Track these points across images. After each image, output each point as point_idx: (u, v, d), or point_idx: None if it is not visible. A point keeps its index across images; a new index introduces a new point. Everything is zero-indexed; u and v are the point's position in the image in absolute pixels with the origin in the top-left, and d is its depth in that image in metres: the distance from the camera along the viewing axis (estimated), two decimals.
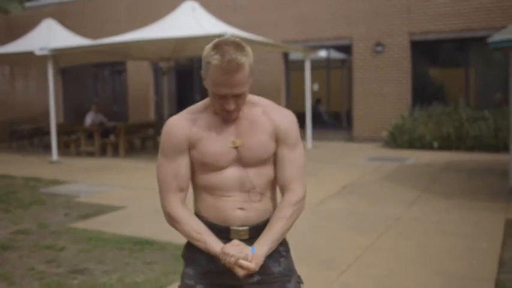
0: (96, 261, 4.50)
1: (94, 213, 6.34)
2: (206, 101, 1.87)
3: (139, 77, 16.49)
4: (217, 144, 1.79)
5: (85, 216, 6.18)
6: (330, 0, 13.46)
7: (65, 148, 12.48)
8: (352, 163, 9.79)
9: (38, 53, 10.43)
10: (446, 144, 11.17)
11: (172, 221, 1.85)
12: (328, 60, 14.41)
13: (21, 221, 6.03)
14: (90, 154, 12.03)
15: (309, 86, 12.40)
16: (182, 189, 1.84)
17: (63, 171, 9.63)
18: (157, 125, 14.41)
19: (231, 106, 1.73)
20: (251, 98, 1.87)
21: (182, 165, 1.82)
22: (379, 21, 12.87)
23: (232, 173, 1.81)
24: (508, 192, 6.82)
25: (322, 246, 4.79)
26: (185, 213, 1.83)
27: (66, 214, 6.34)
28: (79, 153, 12.19)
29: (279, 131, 1.84)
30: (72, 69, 17.28)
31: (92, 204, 6.84)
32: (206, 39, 9.61)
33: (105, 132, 12.34)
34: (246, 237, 1.80)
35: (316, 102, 14.73)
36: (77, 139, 12.56)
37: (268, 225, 1.82)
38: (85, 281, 4.04)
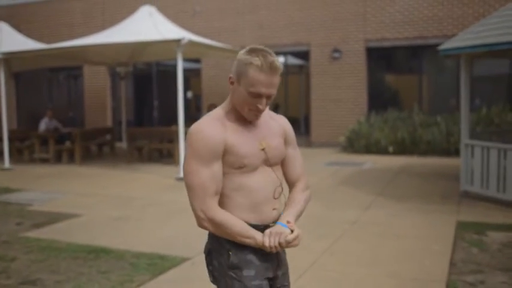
0: (49, 271, 4.38)
1: (48, 221, 6.18)
2: (224, 107, 2.00)
3: (96, 82, 16.20)
4: (250, 146, 1.93)
5: (38, 225, 6.01)
6: (288, 7, 13.62)
7: (18, 155, 12.11)
8: (309, 168, 9.90)
9: None
10: (401, 148, 11.47)
11: (216, 225, 1.89)
12: (285, 66, 14.53)
13: None
14: (45, 161, 11.71)
15: None
16: (217, 193, 1.91)
17: (16, 179, 9.34)
18: (115, 130, 14.20)
19: (264, 106, 1.88)
20: None
21: (218, 169, 1.90)
22: (336, 28, 13.11)
23: (264, 173, 1.97)
24: (459, 195, 7.05)
25: None
26: (227, 215, 1.91)
27: (18, 223, 6.15)
28: (33, 160, 11.85)
29: (287, 133, 2.10)
30: (26, 73, 16.82)
31: (46, 212, 6.66)
32: (163, 43, 9.63)
33: (61, 139, 12.04)
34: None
35: (275, 108, 14.83)
36: (30, 145, 12.20)
37: (289, 206, 2.04)
38: None
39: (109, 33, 10.81)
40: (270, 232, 1.89)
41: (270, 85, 1.86)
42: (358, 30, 12.89)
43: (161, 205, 6.95)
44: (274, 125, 2.07)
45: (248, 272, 1.94)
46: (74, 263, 4.59)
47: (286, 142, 2.10)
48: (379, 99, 12.97)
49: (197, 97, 15.50)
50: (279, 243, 1.88)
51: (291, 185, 2.14)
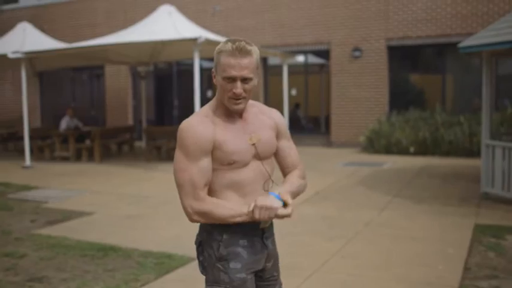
0: (56, 269, 4.38)
1: (61, 219, 6.21)
2: (212, 104, 2.01)
3: (117, 82, 16.34)
4: (240, 142, 1.94)
5: (52, 223, 6.05)
6: (308, 5, 13.49)
7: (39, 153, 12.27)
8: (327, 168, 9.77)
9: (10, 56, 10.26)
10: (422, 149, 11.23)
11: (204, 214, 1.91)
12: (306, 65, 14.42)
13: None
14: (65, 159, 11.84)
15: (286, 91, 12.38)
16: (207, 185, 1.94)
17: (35, 177, 9.45)
18: (135, 129, 14.29)
19: (239, 89, 1.88)
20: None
21: (207, 164, 1.92)
22: (357, 26, 12.92)
23: (254, 168, 1.98)
24: (478, 197, 6.84)
25: (287, 253, 4.71)
26: (215, 200, 1.93)
27: (32, 220, 6.20)
28: (53, 159, 12.00)
29: (279, 126, 2.10)
30: (50, 73, 17.08)
31: (61, 210, 6.70)
32: (181, 43, 9.62)
33: (81, 137, 12.17)
34: (269, 224, 2.04)
35: (295, 107, 14.73)
36: (51, 144, 12.35)
37: (286, 182, 2.06)
38: None
39: (128, 33, 10.87)
40: (261, 205, 1.86)
41: (241, 67, 1.87)
42: (380, 29, 12.68)
43: (174, 204, 6.90)
44: (264, 118, 2.08)
45: (235, 265, 1.97)
46: (81, 261, 4.58)
47: (278, 135, 2.10)
48: (401, 98, 12.73)
49: None
50: (269, 218, 1.89)
51: (287, 174, 2.15)
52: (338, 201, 6.88)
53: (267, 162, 2.05)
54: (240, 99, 1.92)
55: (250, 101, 2.08)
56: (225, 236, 1.97)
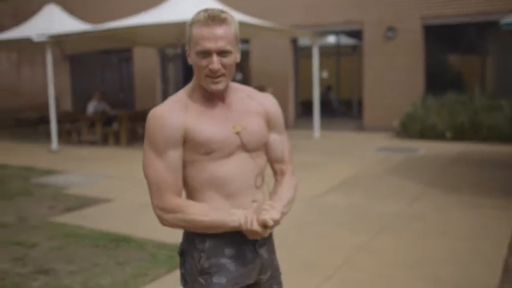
0: (66, 261, 4.20)
1: (79, 206, 6.06)
2: (188, 87, 1.74)
3: (145, 64, 16.18)
4: (220, 129, 1.66)
5: (69, 209, 5.91)
6: None
7: (67, 137, 12.26)
8: (358, 154, 9.36)
9: (35, 39, 10.16)
10: (460, 134, 10.64)
11: (176, 219, 1.63)
12: (337, 46, 13.90)
13: (1, 213, 5.78)
14: (92, 143, 11.78)
15: (317, 73, 11.94)
16: (178, 185, 1.66)
17: (60, 161, 9.39)
18: None
19: (216, 64, 1.59)
20: (231, 84, 1.76)
21: (177, 158, 1.65)
22: (390, 4, 12.31)
23: (241, 161, 1.69)
24: None
25: (308, 246, 4.42)
26: (186, 201, 1.68)
27: (50, 207, 6.07)
28: (81, 143, 11.96)
29: (270, 115, 1.80)
30: (80, 56, 17.06)
31: (80, 196, 6.57)
32: None
33: (108, 121, 12.08)
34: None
35: (327, 89, 14.27)
36: (78, 128, 12.31)
37: (275, 193, 1.77)
38: (46, 283, 3.74)
39: (152, 14, 10.61)
40: (246, 230, 1.59)
41: (216, 38, 1.59)
42: (415, 7, 12.02)
43: None
44: (253, 104, 1.78)
45: (218, 279, 1.67)
46: (92, 252, 4.40)
47: (270, 125, 1.81)
48: (437, 81, 12.10)
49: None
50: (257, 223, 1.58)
51: (275, 173, 1.88)
52: (367, 190, 6.51)
53: (257, 154, 1.74)
54: (218, 76, 1.62)
55: (239, 86, 1.81)
56: (207, 245, 1.67)
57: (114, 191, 6.75)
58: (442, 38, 12.33)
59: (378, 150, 9.79)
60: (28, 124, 14.40)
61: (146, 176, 1.67)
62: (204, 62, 1.61)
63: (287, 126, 14.18)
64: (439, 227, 4.87)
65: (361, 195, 6.25)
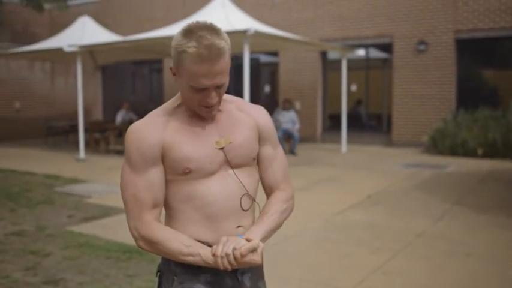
0: (77, 271, 4.17)
1: (98, 215, 6.07)
2: (174, 100, 1.61)
3: None
4: (199, 146, 1.53)
5: (87, 219, 5.91)
6: None
7: (96, 146, 12.41)
8: (385, 169, 9.13)
9: (66, 49, 10.36)
10: (492, 151, 10.29)
11: (151, 243, 1.50)
12: (367, 59, 13.71)
13: (22, 221, 5.83)
14: (119, 152, 11.89)
15: (345, 87, 11.78)
16: (157, 205, 1.54)
17: (85, 170, 9.49)
18: None
19: (214, 100, 1.49)
20: None
21: (156, 176, 1.52)
22: (422, 18, 12.08)
23: (224, 179, 1.54)
24: None
25: (323, 264, 4.26)
26: (166, 229, 1.52)
27: (70, 216, 6.10)
28: (108, 152, 12.09)
29: (261, 128, 1.65)
30: (112, 66, 17.36)
31: (100, 205, 6.58)
32: (233, 35, 9.28)
33: None
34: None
35: (356, 103, 14.06)
36: (107, 137, 12.46)
37: (259, 219, 1.58)
38: None
39: (181, 26, 10.68)
40: (221, 255, 1.42)
41: (214, 74, 1.44)
42: (448, 20, 11.77)
43: None
44: (241, 116, 1.63)
45: None
46: (104, 263, 4.35)
47: (261, 139, 1.65)
48: (470, 96, 11.76)
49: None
50: (229, 255, 1.42)
51: (267, 192, 1.70)
52: (390, 207, 6.31)
53: (242, 171, 1.58)
54: (213, 105, 1.52)
55: (229, 97, 1.67)
56: (182, 268, 1.54)
57: None
58: (475, 52, 12.00)
59: (405, 165, 9.54)
60: (60, 133, 14.66)
61: (122, 194, 1.55)
62: (199, 96, 1.49)
63: (315, 139, 14.04)
64: (464, 248, 4.65)
65: (383, 212, 6.05)
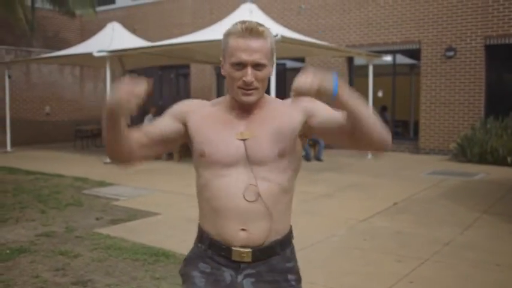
0: (105, 273, 4.25)
1: (125, 218, 6.17)
2: (221, 98, 1.75)
3: (201, 81, 16.47)
4: (220, 132, 1.60)
5: (115, 221, 6.01)
6: (398, 2, 12.68)
7: None
8: (411, 177, 9.04)
9: (95, 54, 10.57)
10: None
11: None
12: (394, 65, 13.60)
13: (51, 222, 5.95)
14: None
15: (371, 93, 11.71)
16: (146, 134, 1.69)
17: (113, 173, 9.63)
18: None
19: (250, 77, 1.54)
20: (266, 96, 1.69)
21: (164, 123, 1.71)
22: (451, 23, 11.93)
23: (235, 176, 1.56)
24: None
25: (348, 272, 4.24)
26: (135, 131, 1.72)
27: (97, 218, 6.20)
28: None
29: (310, 105, 1.61)
30: (139, 71, 17.58)
31: (128, 208, 6.69)
32: None
33: None
34: (249, 259, 1.57)
35: (382, 109, 13.95)
36: None
37: None
38: None
39: (209, 32, 10.79)
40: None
41: (252, 50, 1.54)
42: (477, 26, 11.60)
43: None
44: (283, 110, 1.64)
45: None
46: (131, 266, 4.42)
47: (312, 116, 1.61)
48: (499, 102, 11.54)
49: None
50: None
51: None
52: (417, 215, 6.24)
53: (263, 172, 1.55)
54: (251, 89, 1.57)
55: (276, 99, 1.73)
56: (190, 253, 1.68)
57: (162, 205, 6.82)
58: (505, 58, 11.78)
59: (432, 173, 9.42)
60: (88, 136, 14.94)
61: None
62: (238, 74, 1.57)
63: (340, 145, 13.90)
64: (493, 257, 4.57)
65: (409, 220, 5.99)
